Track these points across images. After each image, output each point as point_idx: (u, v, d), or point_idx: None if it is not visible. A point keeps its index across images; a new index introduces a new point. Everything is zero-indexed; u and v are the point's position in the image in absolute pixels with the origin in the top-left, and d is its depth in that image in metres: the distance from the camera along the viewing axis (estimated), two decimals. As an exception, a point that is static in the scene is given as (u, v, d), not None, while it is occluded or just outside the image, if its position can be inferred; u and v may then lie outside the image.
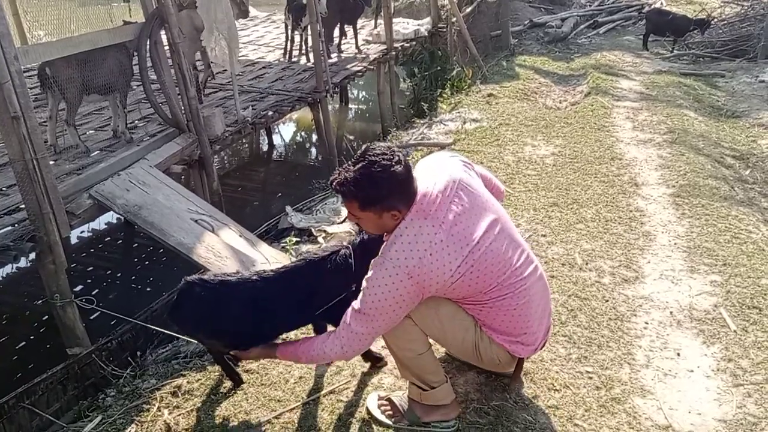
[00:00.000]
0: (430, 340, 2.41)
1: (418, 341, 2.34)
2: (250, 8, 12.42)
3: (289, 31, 9.05)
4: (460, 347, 2.43)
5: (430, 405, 2.47)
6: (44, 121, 5.09)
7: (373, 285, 2.11)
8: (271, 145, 10.21)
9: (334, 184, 2.13)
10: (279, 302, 2.55)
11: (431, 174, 2.24)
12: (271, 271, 2.66)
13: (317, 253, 2.65)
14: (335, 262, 2.55)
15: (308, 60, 8.85)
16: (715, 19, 11.62)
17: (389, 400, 2.58)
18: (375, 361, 2.91)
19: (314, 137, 10.03)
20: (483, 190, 2.33)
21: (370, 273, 2.15)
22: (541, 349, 2.53)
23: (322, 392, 2.77)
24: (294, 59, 9.20)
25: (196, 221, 4.41)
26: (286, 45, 9.23)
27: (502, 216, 2.30)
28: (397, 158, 2.09)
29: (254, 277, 2.59)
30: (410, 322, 2.28)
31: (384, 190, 2.08)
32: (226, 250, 4.16)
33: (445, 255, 2.10)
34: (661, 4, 14.15)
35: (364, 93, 13.43)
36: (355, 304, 2.18)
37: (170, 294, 4.30)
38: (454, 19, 10.41)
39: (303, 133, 11.11)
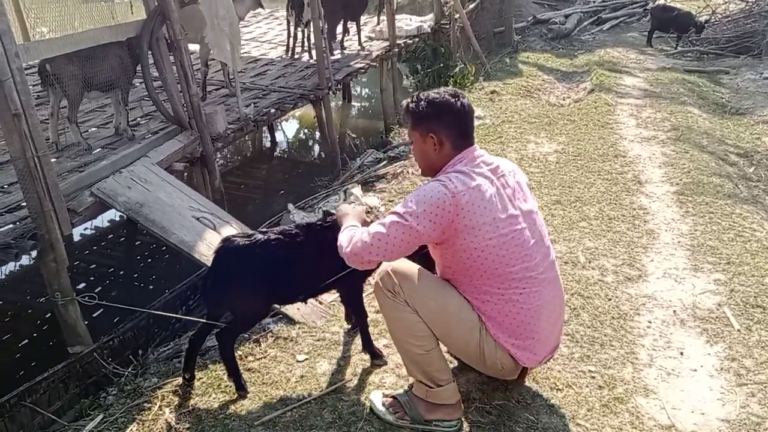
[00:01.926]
0: None
1: (428, 337, 2.35)
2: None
3: (292, 28, 9.02)
4: (463, 348, 2.43)
5: (434, 403, 2.45)
6: (46, 119, 5.09)
7: (417, 192, 2.23)
8: (273, 142, 10.21)
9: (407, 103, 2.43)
10: (312, 250, 2.68)
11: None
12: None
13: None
14: None
15: (311, 57, 8.83)
16: (710, 21, 11.64)
17: (393, 397, 2.57)
18: (375, 357, 2.91)
19: (317, 134, 10.02)
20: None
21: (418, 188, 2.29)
22: (545, 363, 2.54)
23: (324, 391, 2.75)
24: (296, 56, 9.17)
25: (197, 219, 4.40)
26: (288, 42, 9.20)
27: (540, 218, 2.43)
28: (457, 94, 2.35)
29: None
30: (418, 318, 2.30)
31: (432, 109, 2.32)
32: (227, 247, 4.14)
33: (491, 202, 2.22)
34: (666, 0, 14.08)
35: (366, 90, 13.41)
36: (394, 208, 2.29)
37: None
38: (457, 16, 10.38)
39: (305, 131, 11.11)
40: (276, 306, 3.28)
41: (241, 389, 2.78)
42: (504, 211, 2.23)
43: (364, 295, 2.98)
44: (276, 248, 2.68)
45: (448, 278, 2.39)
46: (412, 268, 2.38)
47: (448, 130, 2.32)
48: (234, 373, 2.79)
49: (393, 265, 2.36)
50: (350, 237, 2.32)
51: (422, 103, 2.35)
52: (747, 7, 12.06)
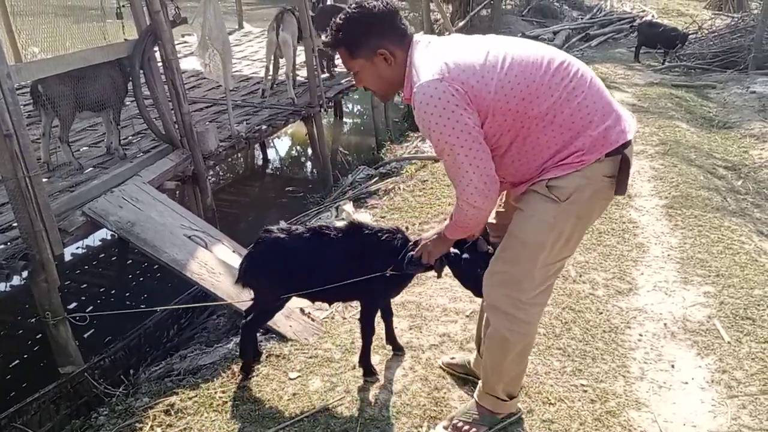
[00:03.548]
0: None
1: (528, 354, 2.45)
2: (245, 24, 12.54)
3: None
4: (587, 215, 2.23)
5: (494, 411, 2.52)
6: (37, 138, 5.10)
7: (426, 121, 1.99)
8: (265, 160, 10.22)
9: (324, 41, 2.22)
10: (338, 250, 2.76)
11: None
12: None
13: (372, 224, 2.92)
14: (387, 240, 2.70)
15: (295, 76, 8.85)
16: (694, 33, 11.90)
17: (455, 425, 2.54)
18: (368, 374, 2.91)
19: (308, 152, 10.05)
20: None
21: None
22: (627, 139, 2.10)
23: (317, 408, 2.75)
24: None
25: (189, 237, 4.40)
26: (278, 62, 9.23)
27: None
28: None
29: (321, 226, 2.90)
30: (532, 335, 2.35)
31: (363, 27, 2.09)
32: (219, 266, 4.15)
33: (464, 45, 2.08)
34: (653, 16, 14.30)
35: (358, 107, 13.47)
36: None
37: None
38: (446, 33, 10.50)
39: (297, 148, 11.13)
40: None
41: (246, 369, 3.03)
42: (479, 49, 2.05)
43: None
44: (314, 243, 2.79)
45: (526, 155, 2.11)
46: (497, 276, 2.26)
47: (392, 36, 2.10)
48: (244, 357, 3.04)
49: (491, 296, 2.29)
50: (452, 215, 2.17)
51: (348, 25, 2.10)
52: (733, 23, 12.27)
